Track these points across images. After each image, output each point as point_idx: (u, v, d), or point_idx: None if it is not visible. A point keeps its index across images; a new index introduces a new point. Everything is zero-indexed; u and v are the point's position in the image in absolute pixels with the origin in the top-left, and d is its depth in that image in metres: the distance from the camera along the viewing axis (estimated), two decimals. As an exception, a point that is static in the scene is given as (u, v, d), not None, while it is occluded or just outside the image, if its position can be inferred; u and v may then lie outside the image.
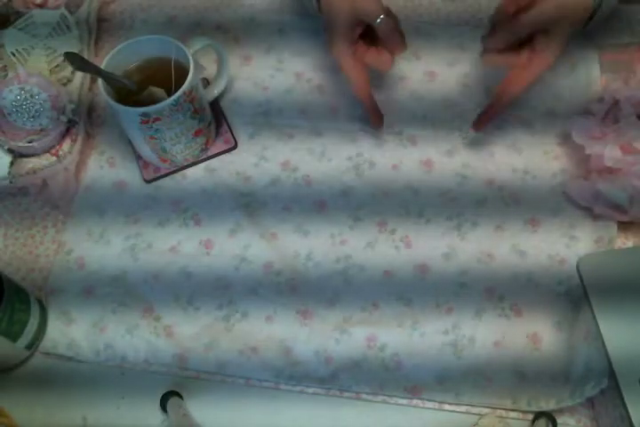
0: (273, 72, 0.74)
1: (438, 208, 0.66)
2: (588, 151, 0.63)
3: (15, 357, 0.61)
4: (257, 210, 0.67)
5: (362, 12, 0.62)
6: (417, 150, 0.69)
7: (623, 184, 0.61)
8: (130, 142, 0.69)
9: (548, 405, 0.56)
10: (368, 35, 0.64)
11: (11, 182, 0.67)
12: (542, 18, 0.59)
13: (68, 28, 0.73)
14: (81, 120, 0.70)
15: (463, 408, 0.58)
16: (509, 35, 0.61)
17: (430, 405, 0.59)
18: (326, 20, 0.64)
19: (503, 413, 0.58)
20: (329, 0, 0.64)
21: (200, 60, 0.65)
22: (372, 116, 0.68)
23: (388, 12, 0.62)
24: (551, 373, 0.58)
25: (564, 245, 0.63)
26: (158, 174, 0.69)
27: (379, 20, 0.61)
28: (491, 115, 0.65)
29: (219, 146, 0.71)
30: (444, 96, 0.71)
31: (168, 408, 0.57)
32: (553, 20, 0.60)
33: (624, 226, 0.64)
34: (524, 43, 0.61)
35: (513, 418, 0.57)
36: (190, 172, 0.70)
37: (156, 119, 0.61)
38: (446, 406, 0.58)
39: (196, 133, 0.67)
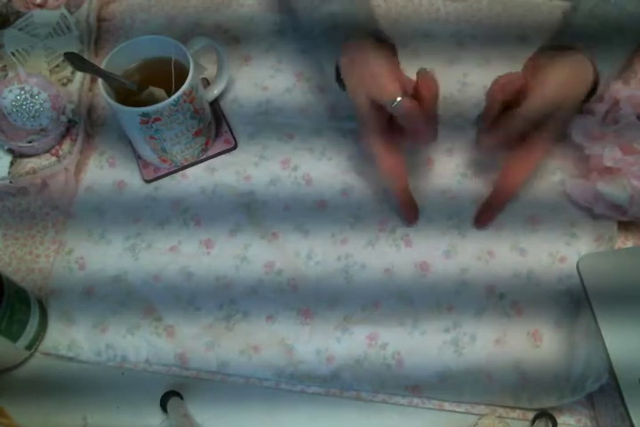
0: (273, 72, 0.74)
1: (438, 207, 0.66)
2: (587, 151, 0.63)
3: (15, 357, 0.61)
4: (257, 209, 0.67)
5: (376, 94, 0.55)
6: (417, 148, 0.69)
7: (623, 184, 0.60)
8: (130, 142, 0.69)
9: (549, 402, 0.56)
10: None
11: (11, 182, 0.67)
12: (533, 116, 0.57)
13: (67, 28, 0.73)
14: (81, 120, 0.70)
15: (463, 408, 0.58)
16: (503, 133, 0.59)
17: (430, 405, 0.58)
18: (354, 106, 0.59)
19: (503, 413, 0.57)
20: (348, 84, 0.58)
21: (200, 60, 0.65)
22: (406, 212, 0.64)
23: (411, 91, 0.54)
24: (552, 370, 0.58)
25: (564, 243, 0.63)
26: (158, 174, 0.69)
27: (394, 104, 0.54)
28: (492, 212, 0.63)
29: (219, 146, 0.70)
30: (443, 94, 0.71)
31: (168, 408, 0.57)
32: (545, 115, 0.58)
33: (624, 226, 0.64)
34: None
35: (513, 418, 0.57)
36: (190, 172, 0.70)
37: (156, 119, 0.61)
38: (446, 407, 0.58)
39: (196, 133, 0.67)
